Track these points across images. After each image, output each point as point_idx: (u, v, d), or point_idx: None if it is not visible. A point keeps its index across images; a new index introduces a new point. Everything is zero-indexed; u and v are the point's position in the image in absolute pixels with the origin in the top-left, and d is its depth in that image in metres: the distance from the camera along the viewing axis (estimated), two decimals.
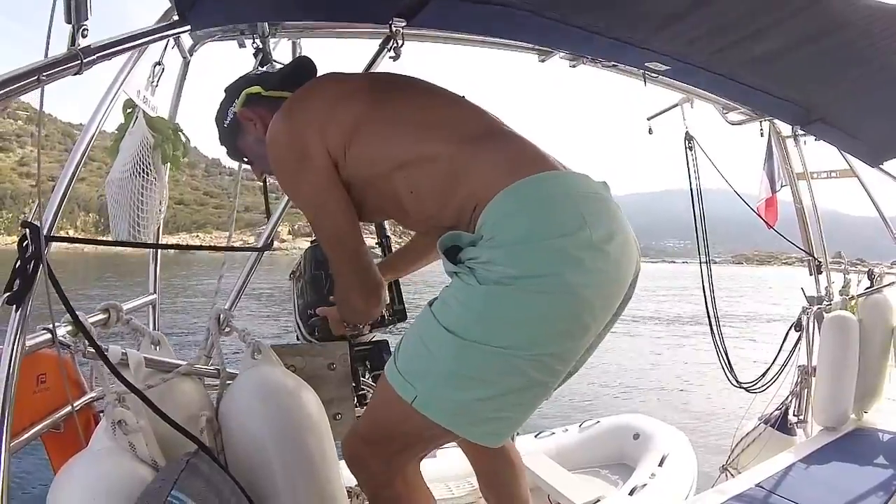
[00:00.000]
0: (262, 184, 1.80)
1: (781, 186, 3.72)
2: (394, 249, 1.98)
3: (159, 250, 1.93)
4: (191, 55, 1.89)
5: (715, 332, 3.65)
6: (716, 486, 2.96)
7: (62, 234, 1.17)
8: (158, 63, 1.69)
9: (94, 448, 1.06)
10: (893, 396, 3.55)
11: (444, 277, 1.25)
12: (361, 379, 1.82)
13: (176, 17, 1.37)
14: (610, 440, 3.55)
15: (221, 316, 1.49)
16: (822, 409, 3.42)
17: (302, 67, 1.60)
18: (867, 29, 1.61)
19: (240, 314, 1.66)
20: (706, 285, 3.65)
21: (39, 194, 1.07)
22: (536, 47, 2.26)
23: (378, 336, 1.93)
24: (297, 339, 1.88)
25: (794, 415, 3.66)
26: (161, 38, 1.41)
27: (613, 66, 2.40)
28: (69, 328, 1.14)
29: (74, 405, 1.19)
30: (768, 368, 3.71)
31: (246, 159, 1.65)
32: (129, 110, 1.67)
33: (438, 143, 1.28)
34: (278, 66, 1.88)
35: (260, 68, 1.91)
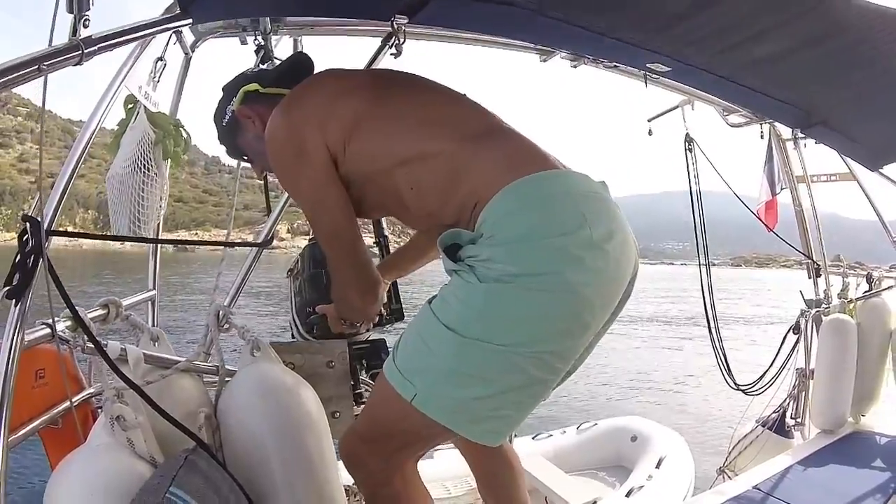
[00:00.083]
0: (261, 181, 1.80)
1: (781, 189, 3.72)
2: (392, 250, 1.98)
3: (159, 246, 1.93)
4: (192, 51, 1.89)
5: (713, 334, 3.65)
6: (713, 487, 2.96)
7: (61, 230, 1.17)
8: (160, 59, 1.69)
9: (93, 444, 1.06)
10: (891, 400, 3.55)
11: (443, 277, 1.25)
12: (360, 378, 1.81)
13: (178, 11, 1.37)
14: (607, 442, 3.55)
15: (220, 312, 1.49)
16: (820, 412, 3.43)
17: (299, 64, 1.60)
18: (869, 32, 1.61)
19: (239, 312, 1.66)
20: (705, 287, 3.65)
21: (41, 188, 1.07)
22: (538, 47, 2.26)
23: (375, 335, 1.93)
24: (293, 337, 1.88)
25: (791, 417, 3.67)
26: (163, 31, 1.40)
27: (615, 66, 2.41)
28: (68, 323, 1.14)
29: (73, 401, 1.18)
30: (766, 371, 3.71)
31: (245, 157, 1.65)
32: (130, 106, 1.67)
33: (440, 140, 1.28)
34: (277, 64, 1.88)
35: (261, 65, 1.91)
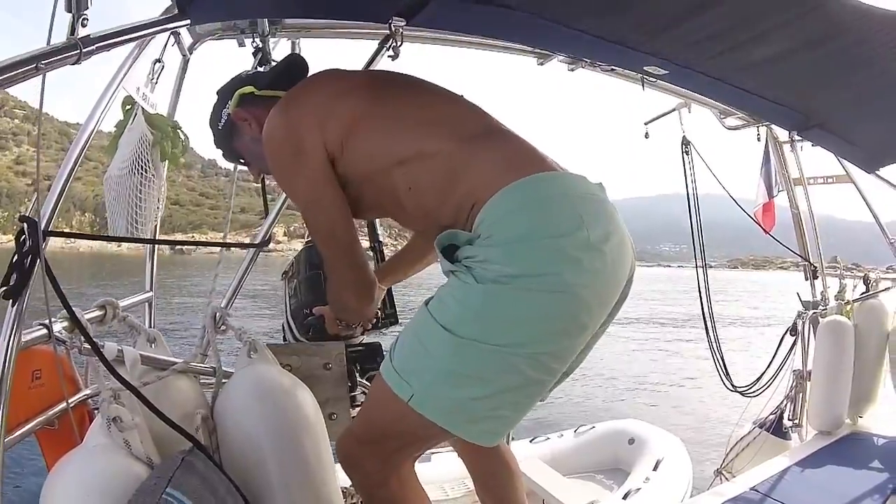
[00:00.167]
0: (258, 184, 1.80)
1: (778, 192, 3.73)
2: (387, 255, 1.98)
3: (156, 248, 1.92)
4: (190, 53, 1.89)
5: (711, 336, 3.65)
6: (710, 489, 2.97)
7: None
8: (158, 60, 1.69)
9: (89, 445, 1.05)
10: (888, 401, 3.56)
11: (439, 281, 1.26)
12: (359, 380, 1.81)
13: (176, 12, 1.37)
14: (605, 445, 3.55)
15: (217, 314, 1.48)
16: (817, 414, 3.43)
17: (294, 66, 1.60)
18: (866, 35, 1.61)
19: (236, 314, 1.65)
20: (702, 289, 3.65)
21: (39, 188, 1.07)
22: (536, 50, 2.27)
23: (370, 338, 1.93)
24: (285, 339, 1.87)
25: (789, 419, 3.67)
26: (161, 32, 1.40)
27: (612, 69, 2.41)
28: (65, 324, 1.14)
29: (69, 401, 1.18)
30: (763, 372, 3.72)
31: (242, 160, 1.64)
32: (128, 107, 1.67)
33: (438, 140, 1.28)
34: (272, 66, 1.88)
35: (259, 68, 1.91)
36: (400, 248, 1.86)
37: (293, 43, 2.03)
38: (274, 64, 1.90)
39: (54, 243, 1.19)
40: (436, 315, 1.17)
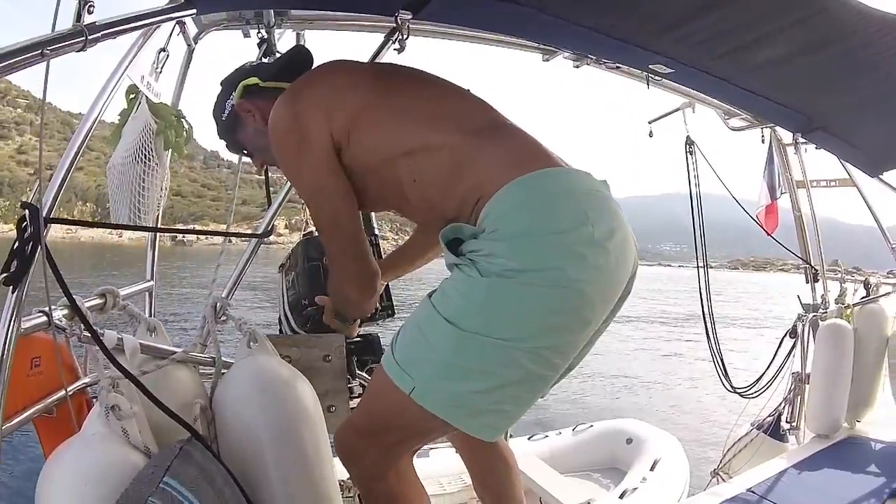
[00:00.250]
0: (261, 175, 1.80)
1: (781, 194, 3.73)
2: (384, 252, 1.97)
3: (157, 237, 1.92)
4: (195, 43, 1.88)
5: (711, 336, 3.65)
6: (706, 489, 2.97)
7: None
8: (163, 49, 1.69)
9: (87, 433, 1.05)
10: (886, 406, 3.56)
11: (439, 276, 1.26)
12: (357, 372, 1.81)
13: (182, 0, 1.37)
14: (603, 444, 3.56)
15: (218, 304, 1.48)
16: (815, 417, 3.44)
17: (299, 57, 1.60)
18: (872, 38, 1.61)
19: (237, 305, 1.65)
20: (703, 290, 3.65)
21: (41, 175, 1.06)
22: (541, 46, 2.26)
23: (367, 331, 1.93)
24: (281, 332, 1.87)
25: (786, 421, 3.67)
26: (166, 20, 1.40)
27: (617, 67, 2.41)
28: (65, 312, 1.13)
29: (68, 390, 1.18)
30: (762, 374, 3.72)
31: (245, 151, 1.64)
32: (132, 96, 1.66)
33: (444, 133, 1.28)
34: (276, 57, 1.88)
35: (263, 59, 1.91)
36: (402, 242, 1.86)
37: (298, 34, 2.03)
38: (278, 55, 1.90)
39: (55, 233, 1.19)
40: (439, 308, 1.17)
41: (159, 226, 1.88)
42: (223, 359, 1.39)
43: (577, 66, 2.40)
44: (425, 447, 2.80)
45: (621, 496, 2.81)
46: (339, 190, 1.35)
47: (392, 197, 1.41)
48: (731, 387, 3.67)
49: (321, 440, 1.29)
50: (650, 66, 2.09)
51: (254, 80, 1.52)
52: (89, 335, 1.12)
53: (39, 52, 0.98)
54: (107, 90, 1.35)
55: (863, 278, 3.77)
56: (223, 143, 1.63)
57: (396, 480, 1.32)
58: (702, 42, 1.74)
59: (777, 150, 3.66)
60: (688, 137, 3.50)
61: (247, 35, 1.94)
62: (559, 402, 8.51)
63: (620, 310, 1.33)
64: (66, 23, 1.04)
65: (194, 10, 1.45)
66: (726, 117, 3.29)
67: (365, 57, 1.85)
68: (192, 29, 1.85)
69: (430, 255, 1.76)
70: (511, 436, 3.08)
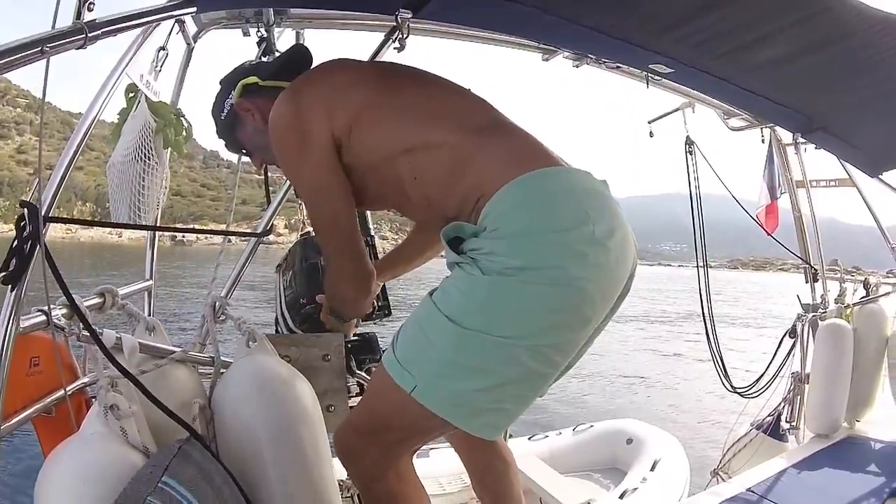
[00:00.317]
0: (260, 175, 1.80)
1: (781, 194, 3.73)
2: (380, 254, 1.97)
3: (157, 237, 1.92)
4: (195, 41, 1.88)
5: (710, 336, 3.65)
6: (706, 489, 2.97)
7: None
8: (162, 48, 1.68)
9: (86, 433, 1.05)
10: (886, 406, 3.56)
11: (438, 276, 1.26)
12: (357, 371, 1.81)
13: None
14: (603, 444, 3.55)
15: (217, 304, 1.48)
16: (815, 417, 3.44)
17: (298, 55, 1.60)
18: (872, 38, 1.61)
19: (236, 304, 1.65)
20: (703, 290, 3.65)
21: (41, 173, 1.06)
22: (541, 45, 2.26)
23: (365, 330, 1.92)
24: (277, 332, 1.87)
25: (786, 421, 3.67)
26: (166, 18, 1.39)
27: (617, 67, 2.41)
28: (64, 311, 1.13)
29: (67, 389, 1.18)
30: (762, 374, 3.72)
31: (244, 150, 1.64)
32: (131, 95, 1.66)
33: (445, 131, 1.29)
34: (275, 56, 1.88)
35: (263, 58, 1.91)
36: (397, 245, 1.86)
37: (298, 33, 2.03)
38: (278, 54, 1.89)
39: (55, 233, 1.18)
40: (440, 306, 1.17)
41: (158, 225, 1.87)
42: (222, 358, 1.39)
43: (577, 66, 2.40)
44: (425, 447, 2.80)
45: (621, 496, 2.81)
46: (339, 189, 1.35)
47: (392, 195, 1.41)
48: (731, 386, 3.67)
49: (320, 440, 1.29)
50: (650, 66, 2.09)
51: (253, 79, 1.51)
52: (88, 334, 1.12)
53: (39, 49, 0.98)
54: (106, 89, 1.35)
55: (862, 278, 3.77)
56: (222, 142, 1.62)
57: (396, 480, 1.32)
58: (702, 42, 1.74)
59: (777, 150, 3.66)
60: (688, 137, 3.50)
61: (246, 34, 1.94)
62: (559, 403, 8.51)
63: (619, 309, 1.33)
64: (65, 20, 1.04)
65: (194, 9, 1.44)
66: (726, 117, 3.29)
67: (365, 56, 1.85)
68: (191, 27, 1.85)
69: (428, 254, 1.76)
70: (511, 436, 3.08)
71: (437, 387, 1.15)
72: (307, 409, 1.28)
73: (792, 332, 3.69)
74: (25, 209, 1.04)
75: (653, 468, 3.06)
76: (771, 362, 3.71)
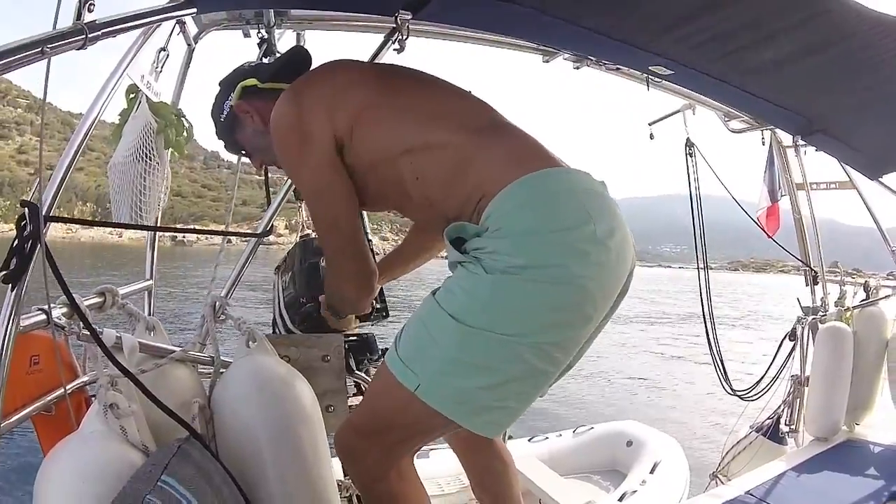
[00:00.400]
0: (260, 176, 1.80)
1: (782, 196, 3.73)
2: (380, 255, 1.97)
3: (157, 237, 1.92)
4: (196, 42, 1.88)
5: (711, 338, 3.65)
6: (705, 492, 2.97)
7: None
8: (163, 49, 1.69)
9: (85, 431, 1.05)
10: (885, 409, 3.55)
11: (439, 277, 1.26)
12: (356, 371, 1.81)
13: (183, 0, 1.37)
14: (603, 446, 3.55)
15: (217, 304, 1.48)
16: (814, 420, 3.43)
17: (298, 57, 1.61)
18: (871, 40, 1.61)
19: (236, 304, 1.65)
20: (703, 291, 3.65)
21: (42, 173, 1.06)
22: (541, 47, 2.26)
23: (364, 330, 1.92)
24: (275, 332, 1.87)
25: (785, 424, 3.67)
26: (167, 19, 1.40)
27: (617, 68, 2.41)
28: (64, 310, 1.14)
29: (67, 388, 1.18)
30: (762, 377, 3.71)
31: (244, 152, 1.64)
32: (132, 95, 1.66)
33: (446, 132, 1.29)
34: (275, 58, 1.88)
35: (263, 59, 1.91)
36: (396, 246, 1.86)
37: (298, 34, 2.03)
38: (278, 56, 1.90)
39: (55, 233, 1.19)
40: (444, 304, 1.18)
41: (159, 226, 1.87)
42: (222, 358, 1.40)
43: (577, 68, 2.40)
44: (425, 448, 2.80)
45: (621, 498, 2.80)
46: (340, 189, 1.36)
47: (393, 195, 1.42)
48: (731, 389, 3.67)
49: (319, 440, 1.29)
50: (650, 68, 2.09)
51: (252, 81, 1.52)
52: (88, 333, 1.12)
53: (40, 49, 0.98)
54: (106, 90, 1.35)
55: (862, 280, 3.76)
56: (222, 143, 1.63)
57: (398, 480, 1.31)
58: (702, 43, 1.75)
59: (777, 153, 3.66)
60: (688, 139, 3.51)
61: (247, 35, 1.94)
62: (559, 405, 8.50)
63: (619, 310, 1.34)
64: (66, 21, 1.04)
65: (194, 10, 1.45)
66: (726, 119, 3.29)
67: (365, 57, 1.85)
68: (192, 28, 1.85)
69: (426, 256, 1.77)
70: (511, 437, 3.08)
71: (441, 385, 1.15)
72: (306, 410, 1.29)
73: (792, 335, 3.69)
74: (26, 209, 1.04)
75: (652, 470, 3.06)
76: (771, 365, 3.71)
